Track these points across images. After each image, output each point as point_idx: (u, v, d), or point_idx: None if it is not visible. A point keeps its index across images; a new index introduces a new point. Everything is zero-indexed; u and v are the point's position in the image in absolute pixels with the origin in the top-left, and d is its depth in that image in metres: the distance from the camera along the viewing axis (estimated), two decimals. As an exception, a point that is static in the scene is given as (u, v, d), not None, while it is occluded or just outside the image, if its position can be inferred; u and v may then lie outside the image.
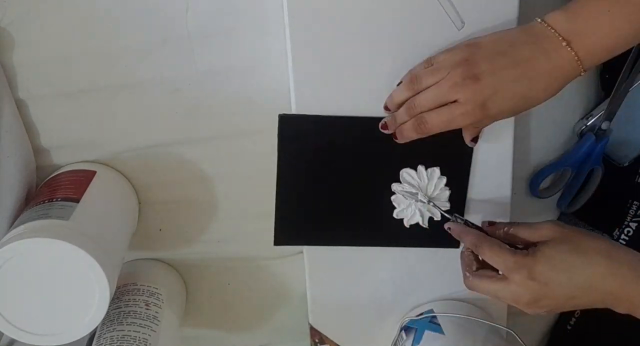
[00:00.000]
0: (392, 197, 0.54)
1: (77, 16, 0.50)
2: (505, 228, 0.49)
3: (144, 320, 0.53)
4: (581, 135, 0.59)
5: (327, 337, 0.61)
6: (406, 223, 0.55)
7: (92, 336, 0.53)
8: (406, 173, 0.53)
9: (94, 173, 0.54)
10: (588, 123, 0.58)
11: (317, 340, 0.61)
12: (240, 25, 0.52)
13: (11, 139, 0.51)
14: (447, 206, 0.54)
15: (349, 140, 0.53)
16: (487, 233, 0.50)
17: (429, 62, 0.48)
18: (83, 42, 0.51)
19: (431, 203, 0.54)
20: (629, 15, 0.41)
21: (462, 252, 0.51)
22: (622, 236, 0.63)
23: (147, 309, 0.54)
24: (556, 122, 0.59)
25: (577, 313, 0.66)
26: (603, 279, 0.43)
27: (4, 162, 0.51)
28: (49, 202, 0.50)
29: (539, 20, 0.44)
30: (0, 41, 0.50)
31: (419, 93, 0.47)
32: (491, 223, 0.51)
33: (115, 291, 0.54)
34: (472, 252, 0.49)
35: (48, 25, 0.50)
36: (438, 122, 0.46)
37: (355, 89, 0.51)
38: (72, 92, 0.53)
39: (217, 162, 0.57)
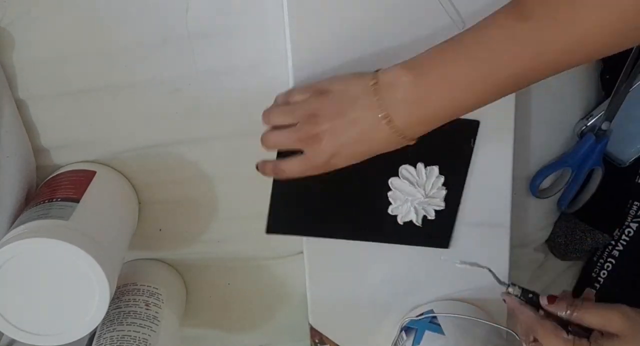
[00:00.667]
0: (389, 193, 0.54)
1: (77, 16, 0.50)
2: (569, 311, 0.46)
3: (144, 320, 0.53)
4: (581, 135, 0.59)
5: (327, 337, 0.61)
6: (400, 220, 0.55)
7: (92, 336, 0.53)
8: (405, 170, 0.53)
9: (94, 173, 0.54)
10: (588, 124, 0.58)
11: (317, 340, 0.61)
12: (240, 25, 0.52)
13: (11, 139, 0.51)
14: (441, 206, 0.54)
15: None
16: (544, 310, 0.47)
17: (286, 97, 0.49)
18: (83, 42, 0.51)
19: (426, 202, 0.53)
20: (476, 81, 0.40)
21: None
22: (623, 237, 0.63)
23: (147, 309, 0.54)
24: (556, 122, 0.59)
25: (608, 267, 0.65)
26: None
27: (4, 162, 0.51)
28: (49, 202, 0.50)
29: (373, 79, 0.43)
30: (0, 41, 0.50)
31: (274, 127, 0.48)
32: (551, 300, 0.47)
33: (115, 291, 0.54)
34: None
35: (48, 25, 0.50)
36: (290, 171, 0.48)
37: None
38: (72, 92, 0.53)
39: (217, 162, 0.57)
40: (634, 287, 0.63)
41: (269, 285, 0.63)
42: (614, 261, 0.64)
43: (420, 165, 0.53)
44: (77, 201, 0.50)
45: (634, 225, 0.62)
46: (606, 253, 0.64)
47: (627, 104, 0.57)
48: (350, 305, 0.59)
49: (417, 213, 0.54)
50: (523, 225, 0.61)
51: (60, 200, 0.50)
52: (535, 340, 0.47)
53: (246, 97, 0.54)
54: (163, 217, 0.59)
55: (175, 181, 0.57)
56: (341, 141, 0.44)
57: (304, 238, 0.57)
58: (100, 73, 0.52)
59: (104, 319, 0.48)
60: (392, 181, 0.54)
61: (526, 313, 0.48)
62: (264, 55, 0.53)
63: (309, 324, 0.61)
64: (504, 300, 0.50)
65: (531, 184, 0.61)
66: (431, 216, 0.55)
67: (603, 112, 0.57)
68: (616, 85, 0.56)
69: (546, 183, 0.61)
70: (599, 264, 0.65)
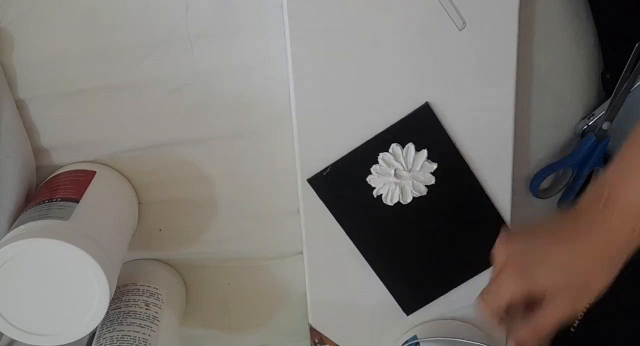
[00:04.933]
0: (368, 178, 0.53)
1: (77, 16, 0.50)
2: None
3: (143, 320, 0.53)
4: (582, 135, 0.59)
5: (327, 337, 0.61)
6: (388, 202, 0.54)
7: (92, 336, 0.53)
8: (382, 155, 0.53)
9: (94, 173, 0.54)
10: (589, 123, 0.58)
11: (317, 340, 0.61)
12: (240, 25, 0.52)
13: (11, 139, 0.51)
14: (431, 180, 0.54)
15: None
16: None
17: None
18: (83, 42, 0.51)
19: (412, 178, 0.53)
20: None
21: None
22: (624, 236, 0.63)
23: (147, 309, 0.54)
24: (557, 122, 0.59)
25: (581, 315, 0.66)
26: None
27: (4, 162, 0.51)
28: (49, 202, 0.50)
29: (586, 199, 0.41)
30: (0, 41, 0.50)
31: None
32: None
33: (115, 291, 0.54)
34: None
35: (48, 25, 0.50)
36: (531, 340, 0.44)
37: (356, 89, 0.51)
38: (72, 92, 0.53)
39: (217, 162, 0.57)
40: (634, 287, 0.63)
41: (269, 285, 0.63)
42: (614, 261, 0.63)
43: (395, 146, 0.52)
44: (77, 201, 0.50)
45: (635, 226, 0.62)
46: (607, 253, 0.64)
47: (628, 104, 0.57)
48: (350, 305, 0.59)
49: (403, 192, 0.53)
50: (523, 225, 0.61)
51: (60, 200, 0.50)
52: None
53: (246, 97, 0.54)
54: (163, 217, 0.59)
55: (175, 181, 0.57)
56: (573, 288, 0.41)
57: (304, 238, 0.56)
58: (100, 73, 0.52)
59: (103, 319, 0.48)
60: (373, 167, 0.53)
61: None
62: (264, 55, 0.53)
63: (309, 324, 0.61)
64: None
65: (531, 184, 0.61)
66: (423, 192, 0.53)
67: (604, 112, 0.57)
68: (617, 85, 0.56)
69: (546, 183, 0.61)
70: (599, 264, 0.64)
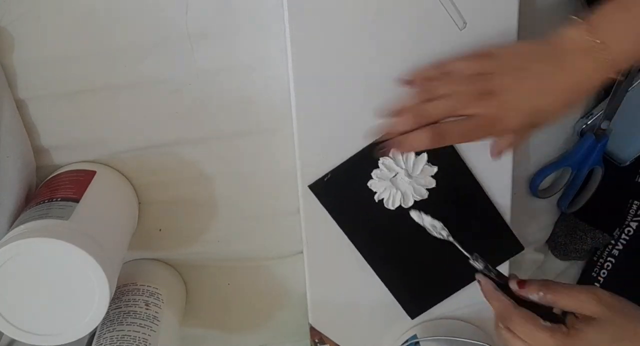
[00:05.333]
0: (369, 182, 0.53)
1: (77, 16, 0.50)
2: (541, 294, 0.45)
3: (144, 320, 0.53)
4: (581, 134, 0.59)
5: (327, 337, 0.61)
6: (390, 206, 0.54)
7: (92, 336, 0.53)
8: (383, 160, 0.53)
9: (93, 173, 0.54)
10: (588, 122, 0.58)
11: (317, 340, 0.61)
12: (240, 25, 0.52)
13: (11, 139, 0.51)
14: (432, 184, 0.53)
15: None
16: (507, 290, 0.46)
17: (439, 69, 0.46)
18: (83, 42, 0.51)
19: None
20: None
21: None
22: (623, 236, 0.63)
23: (147, 309, 0.54)
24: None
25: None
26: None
27: (4, 162, 0.51)
28: (48, 202, 0.50)
29: (555, 34, 0.43)
30: (0, 41, 0.50)
31: (428, 100, 0.45)
32: (521, 284, 0.46)
33: (115, 291, 0.54)
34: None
35: (48, 25, 0.50)
36: (457, 134, 0.45)
37: (356, 89, 0.51)
38: (72, 92, 0.53)
39: (217, 162, 0.57)
40: (635, 286, 0.63)
41: (269, 285, 0.63)
42: (614, 260, 0.64)
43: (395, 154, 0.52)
44: (77, 201, 0.50)
45: (633, 225, 0.62)
46: (606, 252, 0.64)
47: (627, 103, 0.57)
48: (350, 305, 0.59)
49: (403, 196, 0.53)
50: (523, 225, 0.61)
51: (60, 200, 0.50)
52: (508, 328, 0.45)
53: (246, 97, 0.54)
54: (163, 217, 0.59)
55: (175, 181, 0.57)
56: (519, 94, 0.42)
57: (304, 238, 0.56)
58: (100, 73, 0.52)
59: (104, 319, 0.48)
60: (374, 171, 0.53)
61: (500, 300, 0.46)
62: (264, 55, 0.53)
63: (309, 324, 0.61)
64: (479, 282, 0.49)
65: (531, 184, 0.61)
66: (424, 196, 0.53)
67: (603, 111, 0.57)
68: (615, 84, 0.56)
69: (546, 183, 0.61)
70: (599, 264, 0.65)
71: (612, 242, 0.63)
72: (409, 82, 0.48)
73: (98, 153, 0.55)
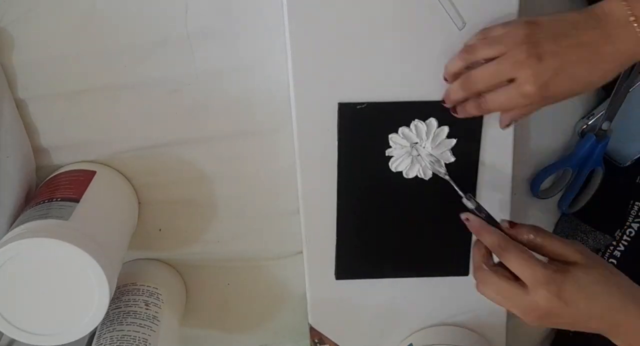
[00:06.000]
0: (388, 150, 0.53)
1: (77, 16, 0.50)
2: (531, 236, 0.47)
3: (143, 320, 0.53)
4: (582, 134, 0.59)
5: (327, 337, 0.61)
6: (405, 175, 0.53)
7: (92, 336, 0.53)
8: (403, 129, 0.52)
9: (93, 173, 0.54)
10: (589, 123, 0.58)
11: (317, 340, 0.61)
12: (240, 25, 0.52)
13: (11, 139, 0.51)
14: (450, 159, 0.53)
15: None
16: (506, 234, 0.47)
17: (484, 34, 0.47)
18: (83, 42, 0.51)
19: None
20: None
21: (478, 242, 0.48)
22: (624, 237, 0.63)
23: (147, 309, 0.54)
24: (557, 122, 0.59)
25: None
26: (615, 312, 0.43)
27: (4, 162, 0.51)
28: (48, 202, 0.50)
29: (596, 6, 0.43)
30: (0, 41, 0.50)
31: (474, 67, 0.46)
32: (512, 225, 0.48)
33: (115, 291, 0.54)
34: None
35: (48, 25, 0.50)
36: (499, 103, 0.46)
37: (355, 89, 0.51)
38: (72, 92, 0.53)
39: (217, 162, 0.57)
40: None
41: (269, 285, 0.63)
42: (615, 261, 0.63)
43: (418, 122, 0.51)
44: (77, 201, 0.50)
45: (635, 226, 0.62)
46: (607, 253, 0.64)
47: (628, 104, 0.57)
48: (350, 305, 0.59)
49: (422, 167, 0.53)
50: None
51: (60, 200, 0.50)
52: (496, 265, 0.46)
53: (246, 97, 0.54)
54: (163, 217, 0.59)
55: (175, 181, 0.57)
56: (565, 60, 0.42)
57: (304, 238, 0.56)
58: (100, 73, 0.52)
59: (103, 319, 0.48)
60: (391, 135, 0.52)
61: (493, 232, 0.46)
62: (264, 55, 0.53)
63: (309, 324, 0.61)
64: (467, 220, 0.49)
65: (532, 185, 0.61)
66: (443, 170, 0.52)
67: (603, 112, 0.57)
68: (616, 84, 0.56)
69: (547, 183, 0.61)
70: (599, 264, 0.65)
71: (613, 243, 0.63)
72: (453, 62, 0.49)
73: (98, 153, 0.55)
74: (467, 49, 0.47)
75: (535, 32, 0.44)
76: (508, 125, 0.50)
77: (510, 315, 0.61)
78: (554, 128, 0.59)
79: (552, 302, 0.43)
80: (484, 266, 0.47)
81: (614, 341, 0.44)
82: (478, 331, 0.60)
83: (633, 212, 0.62)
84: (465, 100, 0.49)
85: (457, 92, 0.48)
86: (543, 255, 0.47)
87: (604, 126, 0.57)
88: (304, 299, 0.60)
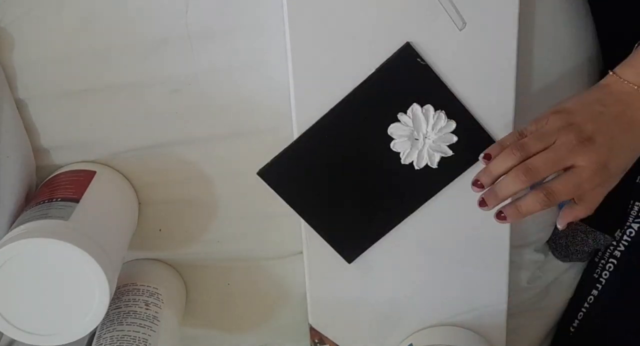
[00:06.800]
0: (391, 144, 0.52)
1: (77, 16, 0.50)
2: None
3: (143, 320, 0.53)
4: (582, 135, 0.59)
5: (327, 337, 0.61)
6: (416, 166, 0.53)
7: (92, 336, 0.53)
8: (401, 116, 0.52)
9: (93, 173, 0.54)
10: (589, 123, 0.58)
11: (317, 340, 0.61)
12: (240, 25, 0.52)
13: (11, 139, 0.51)
14: (453, 139, 0.52)
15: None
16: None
17: (521, 133, 0.46)
18: (83, 42, 0.51)
19: (432, 140, 0.51)
20: None
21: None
22: (625, 237, 0.63)
23: (147, 309, 0.54)
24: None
25: (581, 315, 0.66)
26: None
27: (3, 162, 0.51)
28: (48, 202, 0.50)
29: (611, 73, 0.45)
30: (0, 41, 0.50)
31: (527, 158, 0.44)
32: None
33: (115, 291, 0.54)
34: None
35: (48, 25, 0.50)
36: (566, 191, 0.44)
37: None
38: (72, 92, 0.53)
39: (217, 162, 0.57)
40: (637, 288, 0.63)
41: (269, 285, 0.63)
42: (615, 262, 0.63)
43: (415, 107, 0.51)
44: (77, 201, 0.50)
45: (635, 226, 0.62)
46: (608, 254, 0.64)
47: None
48: (350, 305, 0.59)
49: (429, 155, 0.52)
50: (523, 226, 0.61)
51: (60, 200, 0.50)
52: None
53: (246, 97, 0.54)
54: (163, 217, 0.59)
55: (175, 181, 0.57)
56: (613, 135, 0.43)
57: (304, 238, 0.57)
58: (100, 73, 0.52)
59: (103, 319, 0.48)
60: (391, 127, 0.52)
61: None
62: (264, 55, 0.53)
63: (309, 324, 0.61)
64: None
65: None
66: (448, 153, 0.52)
67: (604, 112, 0.57)
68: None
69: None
70: (600, 265, 0.64)
71: (614, 243, 0.63)
72: (487, 156, 0.47)
73: (98, 153, 0.55)
74: (519, 146, 0.44)
75: (573, 118, 0.44)
76: (568, 223, 0.48)
77: (510, 315, 0.61)
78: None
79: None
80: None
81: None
82: (478, 331, 0.60)
83: (633, 212, 0.62)
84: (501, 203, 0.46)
85: (513, 186, 0.44)
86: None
87: (604, 126, 0.57)
88: (304, 299, 0.60)
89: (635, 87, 0.44)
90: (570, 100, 0.46)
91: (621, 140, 0.44)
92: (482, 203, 0.46)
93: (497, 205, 0.46)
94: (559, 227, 0.48)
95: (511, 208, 0.45)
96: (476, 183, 0.46)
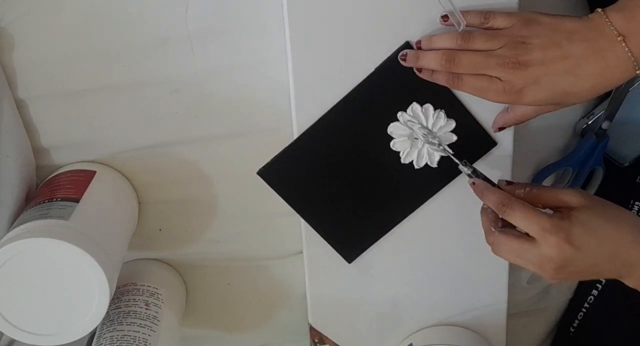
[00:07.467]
0: (391, 143, 0.53)
1: (77, 16, 0.50)
2: (527, 189, 0.47)
3: (143, 320, 0.53)
4: (582, 134, 0.59)
5: (327, 337, 0.61)
6: (416, 165, 0.53)
7: (92, 336, 0.53)
8: (401, 115, 0.52)
9: (93, 173, 0.54)
10: (589, 122, 0.58)
11: (317, 340, 0.61)
12: (240, 25, 0.52)
13: (11, 139, 0.51)
14: (452, 138, 0.52)
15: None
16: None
17: (485, 18, 0.46)
18: (83, 42, 0.51)
19: (433, 138, 0.51)
20: None
21: (484, 208, 0.49)
22: (624, 236, 0.63)
23: (147, 309, 0.54)
24: (557, 122, 0.59)
25: (581, 315, 0.66)
26: (628, 248, 0.43)
27: (3, 162, 0.51)
28: (49, 201, 0.50)
29: (600, 11, 0.43)
30: (0, 41, 0.50)
31: (462, 49, 0.46)
32: (509, 182, 0.48)
33: (115, 291, 0.54)
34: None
35: (48, 25, 0.50)
36: (472, 87, 0.46)
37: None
38: (72, 92, 0.53)
39: (217, 162, 0.57)
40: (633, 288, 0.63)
41: (269, 285, 0.63)
42: (615, 261, 0.63)
43: (415, 105, 0.51)
44: (77, 201, 0.50)
45: (635, 225, 0.62)
46: (607, 253, 0.64)
47: (628, 103, 0.57)
48: (350, 305, 0.59)
49: (429, 154, 0.52)
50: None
51: (60, 200, 0.50)
52: (504, 226, 0.46)
53: (246, 97, 0.54)
54: (163, 217, 0.59)
55: (175, 181, 0.57)
56: (549, 70, 0.43)
57: (304, 238, 0.56)
58: (100, 73, 0.52)
59: (103, 319, 0.48)
60: (390, 126, 0.52)
61: (497, 192, 0.47)
62: (264, 55, 0.53)
63: (309, 324, 0.61)
64: (473, 184, 0.49)
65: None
66: (443, 153, 0.52)
67: (603, 111, 0.57)
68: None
69: (547, 183, 0.61)
70: (600, 264, 0.64)
71: (613, 242, 0.63)
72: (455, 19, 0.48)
73: (98, 153, 0.55)
74: (465, 36, 0.46)
75: (533, 35, 0.44)
76: (501, 128, 0.51)
77: (510, 315, 0.61)
78: (554, 128, 0.59)
79: (563, 249, 0.43)
80: (493, 230, 0.47)
81: (627, 282, 0.44)
82: (478, 331, 0.60)
83: (633, 212, 0.62)
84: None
85: (432, 62, 0.47)
86: (544, 206, 0.46)
87: (604, 126, 0.57)
88: (304, 299, 0.60)
89: (618, 38, 0.41)
90: (550, 18, 0.45)
91: (554, 79, 0.43)
92: (403, 55, 0.49)
93: (412, 66, 0.49)
94: (492, 128, 0.52)
95: (412, 54, 0.49)
96: (417, 43, 0.49)
